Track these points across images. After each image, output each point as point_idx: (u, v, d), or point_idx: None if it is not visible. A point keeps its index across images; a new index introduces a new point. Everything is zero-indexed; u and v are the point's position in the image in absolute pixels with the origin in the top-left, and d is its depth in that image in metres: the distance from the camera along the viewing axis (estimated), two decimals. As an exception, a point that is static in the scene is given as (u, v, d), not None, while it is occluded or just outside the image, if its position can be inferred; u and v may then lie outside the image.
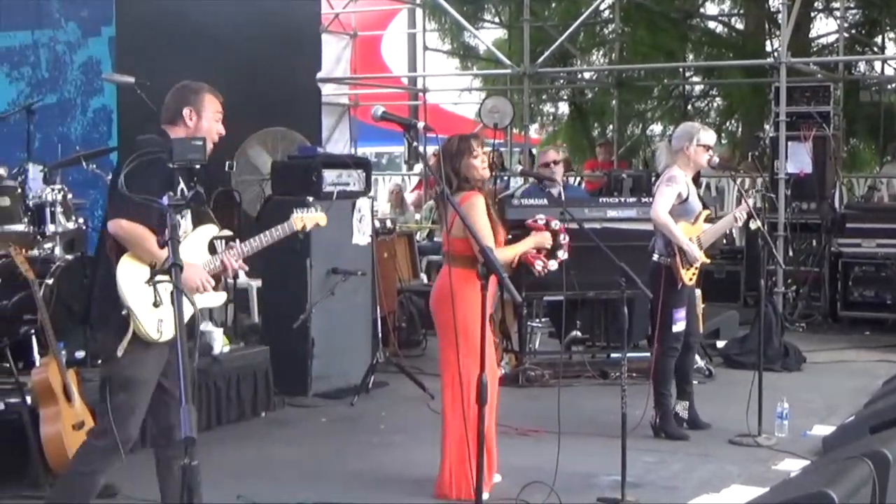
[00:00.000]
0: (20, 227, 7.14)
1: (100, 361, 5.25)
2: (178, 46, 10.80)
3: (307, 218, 5.42)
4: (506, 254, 6.04)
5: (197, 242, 4.91)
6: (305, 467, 6.80)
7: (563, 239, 6.46)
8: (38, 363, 6.47)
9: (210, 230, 5.02)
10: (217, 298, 5.14)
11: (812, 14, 17.56)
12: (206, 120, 4.85)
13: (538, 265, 6.31)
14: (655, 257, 7.32)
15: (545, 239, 6.33)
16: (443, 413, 6.17)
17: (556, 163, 9.57)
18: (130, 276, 4.57)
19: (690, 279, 7.36)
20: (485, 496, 5.90)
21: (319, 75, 14.39)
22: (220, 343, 7.87)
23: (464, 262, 5.84)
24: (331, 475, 6.61)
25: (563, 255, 6.45)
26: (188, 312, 4.50)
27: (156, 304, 4.17)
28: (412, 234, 12.63)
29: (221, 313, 9.63)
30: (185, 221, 4.80)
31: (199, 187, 4.49)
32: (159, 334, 4.59)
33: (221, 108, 4.97)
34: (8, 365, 6.39)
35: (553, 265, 6.39)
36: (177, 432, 4.72)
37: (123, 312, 4.53)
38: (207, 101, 4.89)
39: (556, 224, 6.46)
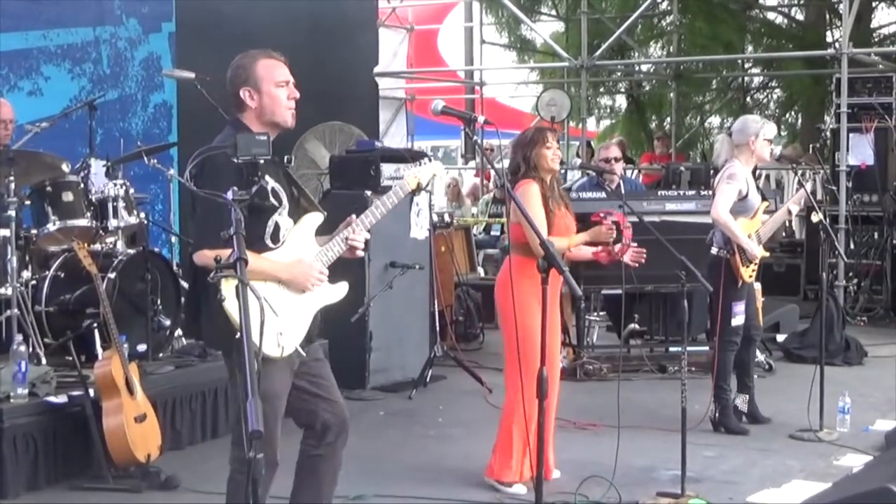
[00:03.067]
0: (83, 222, 7.19)
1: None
2: (237, 41, 10.77)
3: (421, 172, 4.74)
4: (560, 243, 5.92)
5: (303, 235, 4.53)
6: (363, 460, 6.81)
7: (625, 225, 6.34)
8: (100, 356, 6.55)
9: (315, 219, 4.60)
10: (338, 292, 4.74)
11: (874, 4, 17.35)
12: (268, 94, 4.43)
13: (602, 259, 6.31)
14: (714, 250, 7.27)
15: (601, 231, 6.28)
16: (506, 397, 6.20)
17: (616, 160, 9.52)
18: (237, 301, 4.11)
19: (750, 276, 7.30)
20: (522, 489, 5.99)
21: (376, 69, 14.43)
22: (279, 336, 7.88)
23: (517, 249, 5.90)
24: (388, 468, 6.64)
25: (626, 240, 6.35)
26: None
27: (271, 315, 3.73)
28: (469, 228, 12.66)
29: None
30: (283, 218, 4.40)
31: (262, 181, 4.22)
32: (280, 349, 4.28)
33: (286, 67, 4.51)
34: (71, 358, 6.47)
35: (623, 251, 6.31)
36: (331, 432, 4.58)
37: (237, 336, 4.18)
38: (262, 70, 4.44)
39: (613, 215, 6.41)
